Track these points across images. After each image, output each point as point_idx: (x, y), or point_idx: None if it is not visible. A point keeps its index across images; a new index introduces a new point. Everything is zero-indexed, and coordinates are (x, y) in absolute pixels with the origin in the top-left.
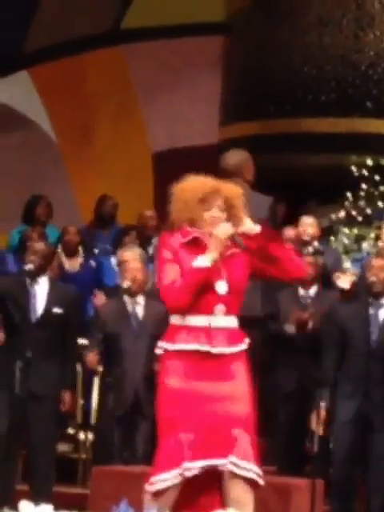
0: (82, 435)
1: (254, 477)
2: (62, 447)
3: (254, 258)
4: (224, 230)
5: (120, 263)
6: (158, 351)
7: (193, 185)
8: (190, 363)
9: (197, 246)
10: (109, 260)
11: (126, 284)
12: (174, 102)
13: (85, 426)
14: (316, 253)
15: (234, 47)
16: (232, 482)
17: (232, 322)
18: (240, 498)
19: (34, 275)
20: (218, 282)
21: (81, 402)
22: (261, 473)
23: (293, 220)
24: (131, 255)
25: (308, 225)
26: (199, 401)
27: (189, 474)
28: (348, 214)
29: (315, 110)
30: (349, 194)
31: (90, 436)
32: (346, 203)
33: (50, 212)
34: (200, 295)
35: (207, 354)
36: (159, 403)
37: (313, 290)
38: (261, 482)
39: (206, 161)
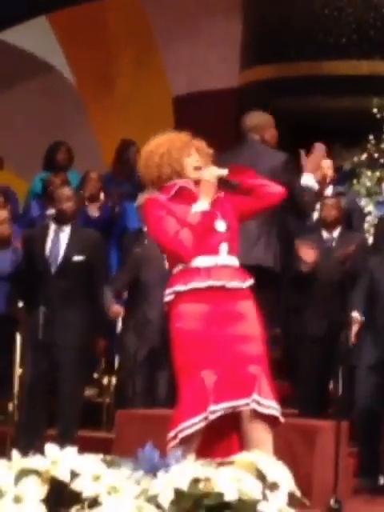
0: (105, 380)
1: (276, 413)
2: (87, 392)
3: (235, 198)
4: (212, 172)
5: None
6: (168, 297)
7: (166, 138)
8: (204, 304)
9: (183, 196)
10: (132, 205)
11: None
12: (193, 47)
13: (109, 370)
14: (337, 194)
15: None
16: (252, 422)
17: (235, 260)
18: (261, 437)
19: (62, 221)
20: (216, 221)
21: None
22: (276, 407)
23: None
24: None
25: (326, 168)
26: (216, 342)
27: (213, 417)
28: (370, 157)
29: (336, 52)
30: (371, 137)
31: (114, 380)
32: (369, 146)
33: (71, 158)
34: (203, 238)
35: (220, 292)
36: (176, 348)
37: (336, 232)
38: (282, 418)
39: (226, 104)
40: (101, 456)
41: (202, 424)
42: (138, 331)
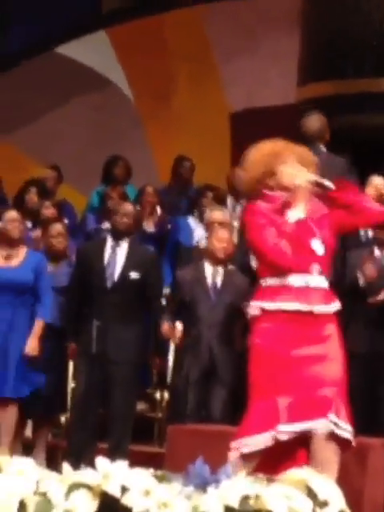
0: (158, 394)
1: (350, 436)
2: (139, 406)
3: (334, 212)
4: (305, 177)
5: (208, 226)
6: (252, 311)
7: (266, 144)
8: (287, 325)
9: (285, 208)
10: (185, 220)
11: (219, 254)
12: (251, 62)
13: (161, 385)
14: None
15: (312, 6)
16: (325, 443)
17: (325, 282)
18: (330, 459)
19: (119, 236)
20: (313, 240)
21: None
22: (346, 427)
23: None
24: (214, 218)
25: (380, 185)
26: (294, 363)
27: (283, 437)
28: None
29: None
30: None
31: (166, 395)
32: None
33: (128, 172)
34: (297, 254)
35: (305, 316)
36: (253, 363)
37: None
38: (354, 442)
39: (284, 120)
40: (151, 471)
41: (268, 443)
42: (191, 347)
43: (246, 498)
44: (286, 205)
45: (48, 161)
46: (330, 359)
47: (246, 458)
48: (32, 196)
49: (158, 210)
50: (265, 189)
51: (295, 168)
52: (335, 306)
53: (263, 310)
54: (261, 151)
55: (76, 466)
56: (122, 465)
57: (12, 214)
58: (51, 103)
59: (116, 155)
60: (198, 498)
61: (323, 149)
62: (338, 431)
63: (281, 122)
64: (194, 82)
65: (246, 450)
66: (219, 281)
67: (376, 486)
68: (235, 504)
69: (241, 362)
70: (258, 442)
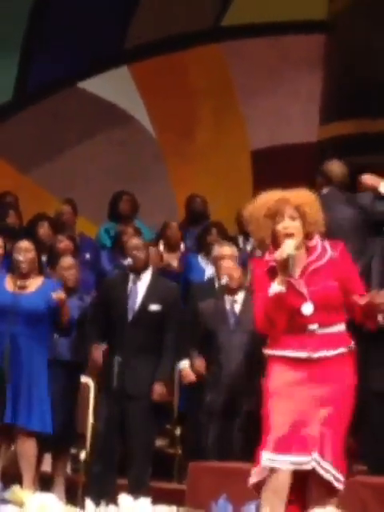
0: (178, 431)
1: (331, 479)
2: (159, 442)
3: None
4: (283, 250)
5: (215, 259)
6: (265, 352)
7: (260, 201)
8: (290, 367)
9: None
10: (196, 257)
11: (223, 281)
12: (273, 100)
13: (180, 421)
14: None
15: (335, 46)
16: (314, 482)
17: (332, 329)
18: (320, 498)
19: (139, 271)
20: (303, 305)
21: (176, 396)
22: (341, 478)
23: None
24: (221, 253)
25: None
26: (294, 400)
27: (273, 464)
28: None
29: None
30: None
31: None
32: None
33: (135, 207)
34: (291, 318)
35: (305, 359)
36: (263, 403)
37: None
38: (338, 486)
39: (305, 159)
40: (174, 508)
41: (264, 473)
42: (212, 381)
43: None
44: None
45: (69, 197)
46: (331, 400)
47: (257, 489)
48: (45, 229)
49: (182, 246)
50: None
51: (293, 227)
52: (339, 350)
53: (268, 355)
54: (256, 213)
55: (96, 501)
56: (144, 502)
57: (24, 243)
58: (74, 139)
59: (122, 191)
60: None
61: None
62: (319, 470)
63: (302, 161)
64: (216, 119)
65: (250, 482)
66: (238, 308)
67: None
68: None
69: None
70: (256, 472)
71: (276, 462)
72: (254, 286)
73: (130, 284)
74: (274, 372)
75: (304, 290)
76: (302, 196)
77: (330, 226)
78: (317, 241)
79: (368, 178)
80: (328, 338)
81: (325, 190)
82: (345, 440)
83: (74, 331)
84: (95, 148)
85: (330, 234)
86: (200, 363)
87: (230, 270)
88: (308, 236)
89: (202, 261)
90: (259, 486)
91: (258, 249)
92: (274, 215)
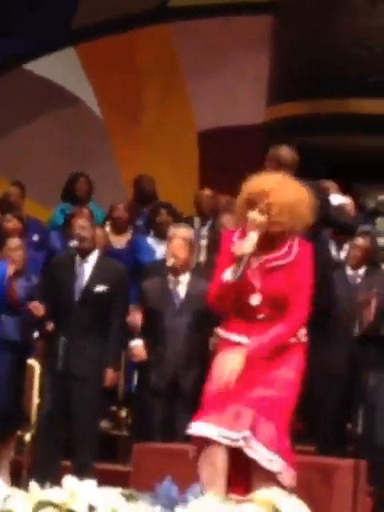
0: (123, 412)
1: (258, 459)
2: (103, 424)
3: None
4: (242, 246)
5: (169, 239)
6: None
7: (250, 182)
8: (232, 348)
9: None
10: (144, 238)
11: (169, 262)
12: (220, 81)
13: (126, 403)
14: (361, 233)
15: (283, 27)
16: (252, 464)
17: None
18: (259, 479)
19: (85, 252)
20: (251, 296)
21: (122, 378)
22: (275, 459)
23: None
24: (174, 233)
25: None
26: (234, 384)
27: (198, 431)
28: None
29: (363, 90)
30: None
31: (131, 413)
32: None
33: (90, 189)
34: (240, 304)
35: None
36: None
37: (362, 271)
38: (269, 466)
39: (252, 140)
40: (119, 490)
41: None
42: (157, 363)
43: None
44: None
45: (15, 177)
46: (272, 386)
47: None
48: None
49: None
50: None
51: (262, 217)
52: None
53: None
54: (241, 195)
55: (41, 483)
56: (89, 484)
57: None
58: (20, 120)
59: (78, 172)
60: None
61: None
62: (247, 450)
63: (249, 142)
64: (163, 100)
65: (192, 454)
66: (183, 290)
67: (343, 507)
68: None
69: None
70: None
71: (204, 430)
72: (218, 259)
73: (77, 265)
74: (220, 353)
75: (256, 282)
76: (282, 197)
77: None
78: (288, 240)
79: None
80: (273, 327)
81: None
82: (286, 426)
83: (21, 311)
84: (42, 129)
85: None
86: (139, 351)
87: (176, 250)
88: (275, 233)
89: (151, 242)
90: (196, 458)
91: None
92: (250, 201)
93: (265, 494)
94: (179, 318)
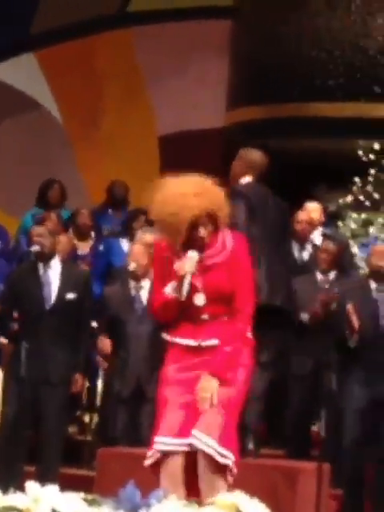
0: (87, 417)
1: (212, 452)
2: (69, 429)
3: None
4: (184, 266)
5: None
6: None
7: (170, 206)
8: (178, 353)
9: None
10: (118, 242)
11: (130, 267)
12: (180, 86)
13: (90, 408)
14: (324, 236)
15: (242, 31)
16: (202, 460)
17: (223, 319)
18: (209, 477)
19: (45, 258)
20: (195, 295)
21: (86, 384)
22: (227, 454)
23: (300, 206)
24: (138, 239)
25: (313, 210)
26: (182, 386)
27: (162, 448)
28: (356, 199)
29: (323, 94)
30: (357, 179)
31: (96, 418)
32: (354, 188)
33: (64, 195)
34: (184, 307)
35: (197, 347)
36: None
37: (332, 275)
38: (220, 459)
39: (212, 144)
40: (82, 494)
41: (156, 456)
42: (120, 368)
43: None
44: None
45: None
46: (221, 382)
47: (153, 469)
48: None
49: (93, 233)
50: None
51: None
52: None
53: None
54: (166, 209)
55: (4, 489)
56: (52, 489)
57: None
58: None
59: (51, 179)
60: None
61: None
62: (199, 445)
63: (210, 146)
64: (123, 104)
65: (146, 463)
66: (144, 295)
67: (306, 510)
68: None
69: None
70: (149, 456)
71: (170, 446)
72: (154, 271)
73: (41, 272)
74: (168, 358)
75: (197, 282)
76: (214, 198)
77: (274, 219)
78: (219, 234)
79: None
80: (218, 327)
81: (246, 179)
82: (235, 424)
83: None
84: (2, 135)
85: (272, 228)
86: (105, 343)
87: (138, 256)
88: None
89: (125, 245)
90: (155, 467)
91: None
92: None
93: (228, 497)
94: (142, 325)
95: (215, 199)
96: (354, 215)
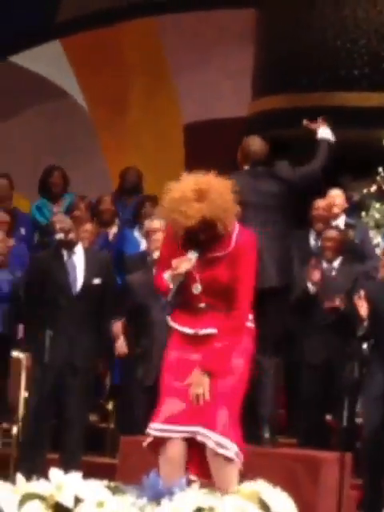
0: (110, 405)
1: (214, 446)
2: (91, 417)
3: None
4: (181, 265)
5: (147, 233)
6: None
7: (182, 194)
8: (180, 338)
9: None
10: (130, 230)
11: (154, 255)
12: (205, 74)
13: (113, 395)
14: (347, 226)
15: (266, 20)
16: (209, 454)
17: (221, 309)
18: (218, 469)
19: (69, 245)
20: (194, 285)
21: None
22: (230, 446)
23: (324, 194)
24: (153, 227)
25: (335, 197)
26: (184, 372)
27: (157, 434)
28: (379, 189)
29: (348, 83)
30: (380, 169)
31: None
32: (378, 178)
33: (66, 182)
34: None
35: (195, 335)
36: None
37: (337, 263)
38: (220, 451)
39: (236, 133)
40: (105, 482)
41: (149, 440)
42: (144, 357)
43: (199, 510)
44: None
45: (0, 170)
46: (219, 375)
47: (152, 449)
48: None
49: (117, 220)
50: None
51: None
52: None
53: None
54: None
55: (28, 476)
56: (75, 476)
57: None
58: (5, 112)
59: (52, 165)
60: (151, 510)
61: (269, 169)
62: (199, 438)
63: (233, 135)
64: (149, 93)
65: (144, 444)
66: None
67: (328, 500)
68: None
69: None
70: (146, 439)
71: (166, 432)
72: (161, 250)
73: (66, 259)
74: (171, 344)
75: (196, 273)
76: (217, 203)
77: (256, 204)
78: (227, 229)
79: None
80: (216, 316)
81: (245, 168)
82: (237, 412)
83: (5, 304)
84: (27, 122)
85: (256, 212)
86: (118, 327)
87: (159, 242)
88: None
89: (137, 234)
90: (153, 446)
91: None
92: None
93: (250, 486)
94: (165, 312)
95: (218, 204)
96: (378, 205)
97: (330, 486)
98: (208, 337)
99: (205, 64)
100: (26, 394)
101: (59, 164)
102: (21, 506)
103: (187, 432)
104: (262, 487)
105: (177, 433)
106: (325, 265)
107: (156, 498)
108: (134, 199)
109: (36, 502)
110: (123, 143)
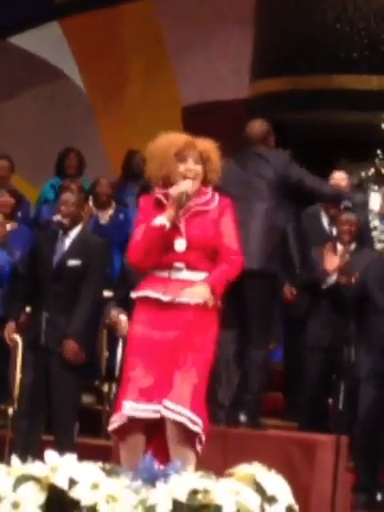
0: (105, 387)
1: (184, 420)
2: (86, 399)
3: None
4: (179, 188)
5: None
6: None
7: (167, 140)
8: (148, 311)
9: (162, 206)
10: (135, 212)
11: None
12: (204, 57)
13: (109, 377)
14: (345, 209)
15: (266, 2)
16: (172, 428)
17: (197, 276)
18: (179, 444)
19: (66, 227)
20: (177, 240)
21: (106, 353)
22: (198, 421)
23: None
24: None
25: (339, 179)
26: (151, 348)
27: (130, 413)
28: (378, 172)
29: (347, 66)
30: (379, 152)
31: (115, 388)
32: (376, 161)
33: (82, 164)
34: (163, 252)
35: (162, 303)
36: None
37: (352, 246)
38: (192, 427)
39: (235, 115)
40: (100, 464)
41: (122, 419)
42: None
43: (194, 493)
44: (159, 201)
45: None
46: (186, 345)
47: (117, 434)
48: None
49: (113, 202)
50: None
51: (194, 170)
52: (194, 299)
53: (134, 299)
54: (161, 151)
55: (23, 458)
56: (70, 458)
57: None
58: (3, 94)
59: (69, 147)
60: (146, 492)
61: (261, 151)
62: (168, 414)
63: (232, 117)
64: (147, 75)
65: (110, 428)
66: None
67: (324, 482)
68: (183, 498)
69: None
70: (115, 420)
71: (137, 411)
72: (137, 219)
73: (59, 240)
74: (137, 316)
75: (182, 226)
76: (207, 143)
77: (248, 182)
78: (209, 189)
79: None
80: (188, 284)
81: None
82: (205, 389)
83: (5, 285)
84: (25, 103)
85: (246, 190)
86: (115, 314)
87: None
88: (205, 182)
89: None
90: (119, 431)
91: (155, 185)
92: (179, 155)
93: (245, 468)
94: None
95: (207, 144)
96: (376, 188)
97: (325, 468)
98: (185, 306)
99: (204, 46)
100: (21, 376)
101: (56, 146)
102: (15, 488)
103: (157, 411)
104: (257, 470)
105: (148, 412)
106: (340, 249)
107: (151, 480)
108: (140, 182)
109: (30, 484)
110: (121, 126)
